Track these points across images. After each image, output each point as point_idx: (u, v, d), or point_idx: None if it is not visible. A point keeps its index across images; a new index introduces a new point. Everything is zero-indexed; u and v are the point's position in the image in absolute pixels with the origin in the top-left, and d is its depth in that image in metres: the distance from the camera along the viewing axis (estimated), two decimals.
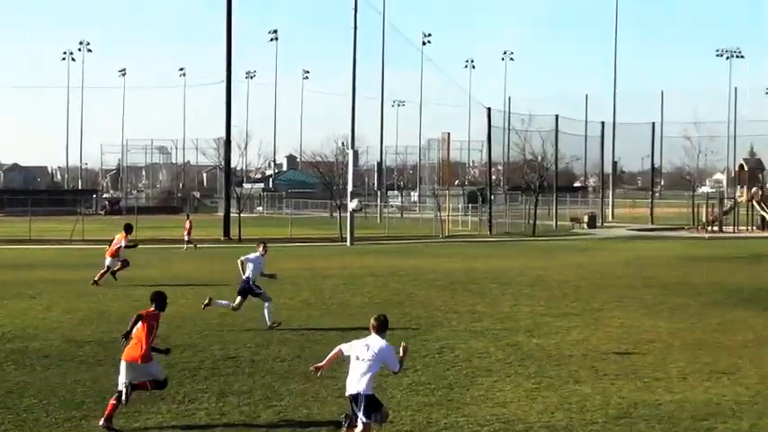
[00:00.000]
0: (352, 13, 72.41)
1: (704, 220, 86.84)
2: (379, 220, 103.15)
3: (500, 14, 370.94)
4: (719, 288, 35.66)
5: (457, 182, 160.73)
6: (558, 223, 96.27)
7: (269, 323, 26.09)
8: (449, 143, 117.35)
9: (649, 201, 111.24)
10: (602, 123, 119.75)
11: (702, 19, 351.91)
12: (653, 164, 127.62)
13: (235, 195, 79.85)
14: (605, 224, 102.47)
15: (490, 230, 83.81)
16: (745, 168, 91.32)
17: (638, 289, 35.58)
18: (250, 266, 27.05)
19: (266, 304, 26.55)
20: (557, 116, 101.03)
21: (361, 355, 14.32)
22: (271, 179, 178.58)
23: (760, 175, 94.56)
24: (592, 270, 43.78)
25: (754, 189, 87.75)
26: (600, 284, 37.26)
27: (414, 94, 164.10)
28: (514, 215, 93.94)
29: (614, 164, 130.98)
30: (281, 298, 31.33)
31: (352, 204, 59.88)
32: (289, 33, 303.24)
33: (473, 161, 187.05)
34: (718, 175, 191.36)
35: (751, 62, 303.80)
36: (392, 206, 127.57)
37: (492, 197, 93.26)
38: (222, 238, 72.68)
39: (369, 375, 14.12)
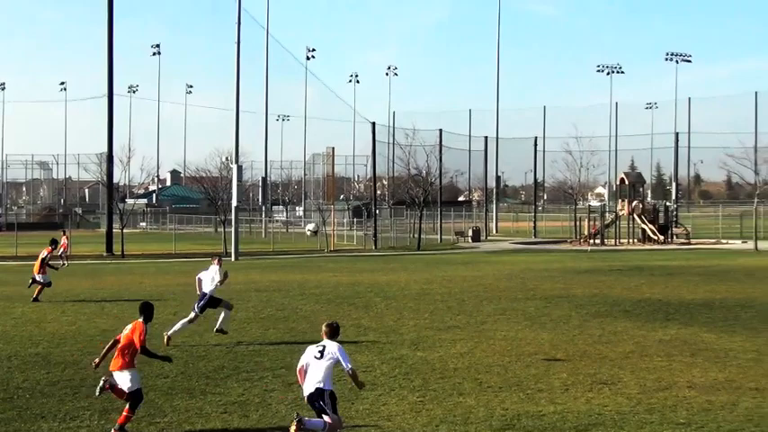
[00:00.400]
0: (236, 27, 72.13)
1: (586, 233, 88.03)
2: (264, 235, 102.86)
3: (385, 30, 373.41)
4: (601, 300, 36.09)
5: (342, 196, 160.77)
6: (443, 237, 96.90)
7: (169, 333, 25.87)
8: (333, 158, 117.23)
9: (532, 214, 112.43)
10: (486, 138, 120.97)
11: (584, 36, 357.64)
12: (536, 178, 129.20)
13: (117, 211, 78.86)
14: (489, 238, 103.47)
15: (375, 245, 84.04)
16: (626, 182, 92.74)
17: (522, 301, 35.89)
18: (208, 279, 26.96)
19: (189, 317, 26.51)
20: (440, 131, 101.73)
21: (318, 356, 15.04)
22: (154, 194, 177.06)
23: (640, 189, 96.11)
24: (476, 283, 44.06)
25: (634, 202, 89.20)
26: (484, 297, 37.51)
27: (299, 108, 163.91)
28: (399, 229, 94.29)
29: (498, 178, 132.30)
30: (165, 314, 31.01)
31: (309, 227, 58.62)
32: (172, 48, 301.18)
33: (358, 176, 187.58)
34: (600, 189, 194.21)
35: (631, 78, 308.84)
36: (277, 221, 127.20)
37: (377, 211, 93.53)
38: (105, 254, 71.85)
39: (327, 374, 14.89)
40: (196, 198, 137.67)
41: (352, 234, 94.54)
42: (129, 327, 16.80)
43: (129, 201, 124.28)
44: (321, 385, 14.82)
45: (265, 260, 66.94)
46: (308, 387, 14.94)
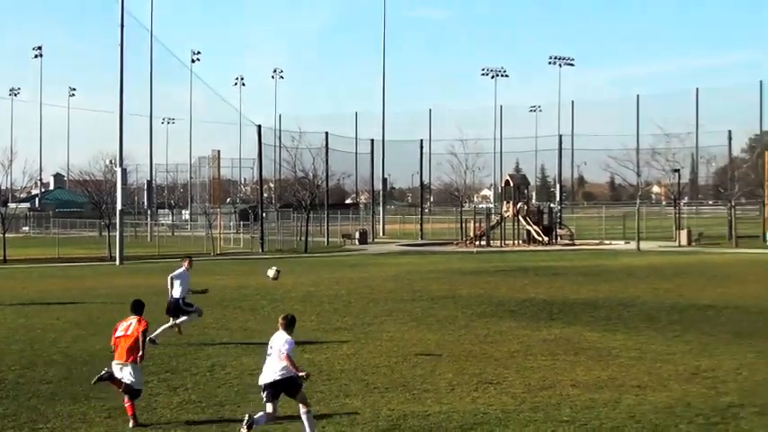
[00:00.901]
0: (119, 30, 71.36)
1: (472, 234, 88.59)
2: (149, 239, 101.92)
3: (271, 34, 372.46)
4: (486, 300, 36.36)
5: (228, 199, 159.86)
6: (330, 239, 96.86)
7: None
8: (219, 161, 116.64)
9: (419, 216, 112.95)
10: (372, 141, 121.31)
11: (469, 40, 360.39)
12: (422, 180, 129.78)
13: None
14: (376, 240, 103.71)
15: (262, 248, 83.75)
16: (511, 184, 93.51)
17: (408, 302, 36.03)
18: (177, 283, 26.94)
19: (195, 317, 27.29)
20: (326, 133, 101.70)
21: (269, 351, 15.70)
22: (37, 198, 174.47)
23: (525, 190, 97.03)
24: (362, 285, 44.13)
25: (519, 204, 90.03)
26: (370, 299, 37.58)
27: (184, 111, 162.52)
28: (286, 232, 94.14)
29: (384, 180, 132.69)
30: (48, 318, 30.66)
31: (270, 272, 56.22)
32: (54, 50, 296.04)
33: (245, 178, 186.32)
34: (485, 191, 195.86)
35: (515, 81, 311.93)
36: (163, 224, 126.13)
37: (264, 214, 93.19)
38: None
39: (276, 368, 15.41)
40: (80, 202, 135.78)
41: (238, 237, 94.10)
42: (134, 324, 17.54)
43: (12, 205, 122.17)
44: (275, 378, 15.39)
45: (151, 264, 66.32)
46: (264, 378, 15.60)
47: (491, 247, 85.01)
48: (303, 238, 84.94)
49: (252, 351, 24.69)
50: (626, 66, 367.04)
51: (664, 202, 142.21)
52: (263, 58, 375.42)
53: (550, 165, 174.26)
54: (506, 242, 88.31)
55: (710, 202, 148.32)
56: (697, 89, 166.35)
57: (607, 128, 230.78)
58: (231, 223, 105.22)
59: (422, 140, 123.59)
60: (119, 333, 17.51)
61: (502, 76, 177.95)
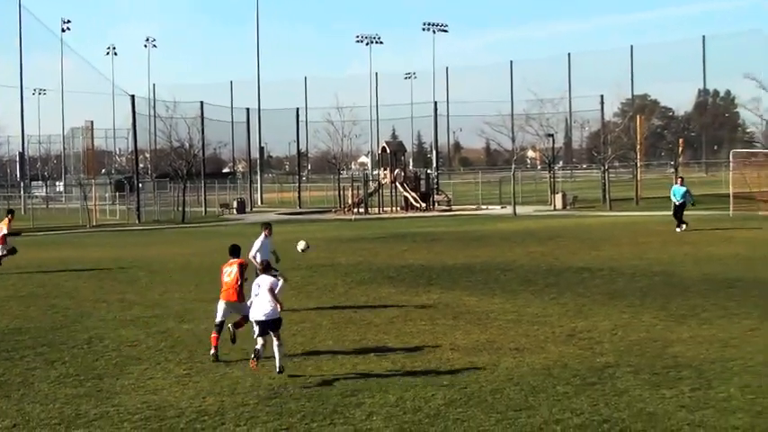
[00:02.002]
0: None
1: (350, 202, 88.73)
2: (23, 212, 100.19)
3: (142, 2, 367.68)
4: (366, 267, 36.47)
5: (103, 170, 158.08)
6: (208, 209, 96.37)
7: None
8: (92, 131, 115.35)
9: (297, 185, 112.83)
10: (248, 109, 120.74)
11: (343, 6, 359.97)
12: (299, 148, 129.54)
13: None
14: (254, 209, 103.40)
15: (139, 219, 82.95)
16: (388, 150, 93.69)
17: (287, 271, 35.63)
18: (260, 252, 28.11)
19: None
20: (201, 102, 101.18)
21: (258, 291, 18.29)
22: None
23: (402, 157, 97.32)
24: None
25: (396, 171, 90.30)
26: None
27: (56, 81, 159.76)
28: (163, 203, 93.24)
29: (261, 149, 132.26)
30: None
31: (299, 246, 54.60)
32: None
33: (120, 149, 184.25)
34: (363, 158, 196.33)
35: (390, 48, 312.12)
36: (37, 197, 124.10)
37: (140, 185, 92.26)
38: None
39: (270, 302, 18.08)
40: None
41: (114, 208, 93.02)
42: (235, 270, 20.38)
43: None
44: (269, 314, 18.04)
45: (25, 237, 65.27)
46: (257, 314, 18.17)
47: (369, 214, 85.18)
48: (180, 209, 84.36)
49: (131, 323, 24.51)
50: (499, 31, 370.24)
51: (539, 167, 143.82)
52: (135, 28, 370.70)
53: (426, 131, 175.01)
54: (384, 209, 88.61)
55: (584, 166, 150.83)
56: (569, 54, 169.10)
57: (482, 94, 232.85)
58: (107, 194, 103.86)
59: (298, 109, 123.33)
60: (225, 278, 20.29)
61: (376, 42, 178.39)
